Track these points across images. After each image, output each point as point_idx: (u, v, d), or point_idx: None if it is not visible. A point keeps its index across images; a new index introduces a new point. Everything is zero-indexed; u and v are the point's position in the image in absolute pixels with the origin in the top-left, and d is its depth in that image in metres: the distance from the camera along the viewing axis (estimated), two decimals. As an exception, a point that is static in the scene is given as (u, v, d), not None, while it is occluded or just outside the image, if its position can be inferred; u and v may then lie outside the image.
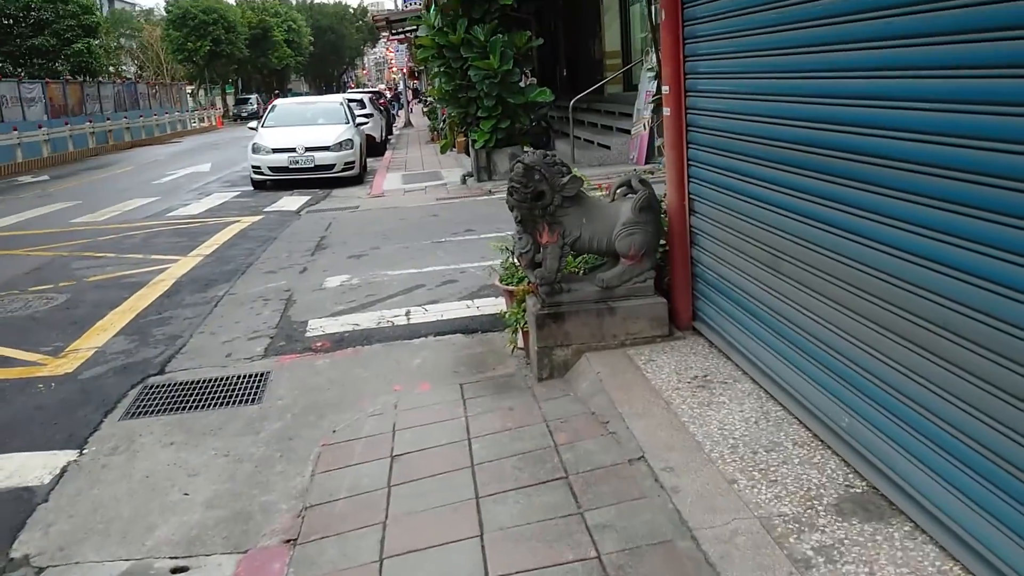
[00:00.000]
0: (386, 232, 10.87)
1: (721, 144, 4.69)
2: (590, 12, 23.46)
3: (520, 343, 5.78)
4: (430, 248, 9.54)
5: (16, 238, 12.62)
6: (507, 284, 6.31)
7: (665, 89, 5.18)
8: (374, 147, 24.05)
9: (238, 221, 12.91)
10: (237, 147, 28.33)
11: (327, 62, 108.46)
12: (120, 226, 13.20)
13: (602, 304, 5.15)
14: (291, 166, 17.22)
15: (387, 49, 77.37)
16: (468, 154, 17.55)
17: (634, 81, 20.73)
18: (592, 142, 18.17)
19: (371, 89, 47.67)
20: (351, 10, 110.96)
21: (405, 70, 50.40)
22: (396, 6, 34.60)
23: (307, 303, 7.61)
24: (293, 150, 17.27)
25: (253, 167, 17.50)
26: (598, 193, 6.21)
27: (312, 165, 17.28)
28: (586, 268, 5.51)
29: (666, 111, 5.20)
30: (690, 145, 5.10)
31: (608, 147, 16.85)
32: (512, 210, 5.14)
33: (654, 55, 15.76)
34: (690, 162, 5.11)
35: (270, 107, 20.24)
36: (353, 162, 17.73)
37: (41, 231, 13.18)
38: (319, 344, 6.44)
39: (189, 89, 68.34)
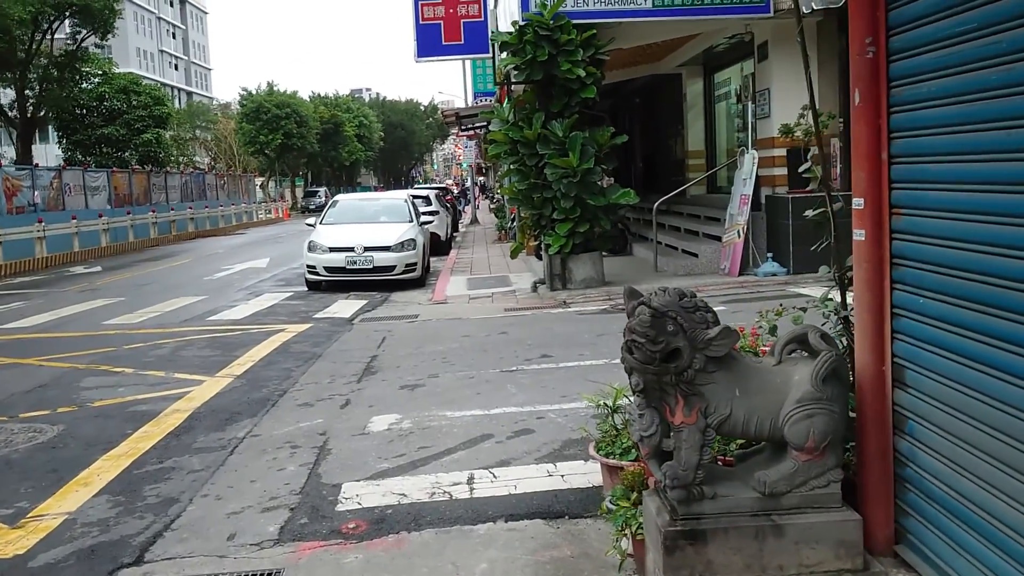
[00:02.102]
0: (447, 354, 9.29)
1: (957, 288, 3.05)
2: (670, 109, 22.16)
3: (629, 548, 4.08)
4: (498, 379, 7.92)
5: (39, 342, 11.34)
6: (607, 455, 4.66)
7: (858, 203, 3.56)
8: (439, 245, 22.81)
9: (283, 330, 11.48)
10: (298, 240, 27.20)
11: (397, 157, 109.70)
12: (153, 331, 11.85)
13: (763, 518, 3.45)
14: (348, 267, 15.91)
15: (456, 145, 77.68)
16: (539, 258, 16.08)
17: (719, 183, 19.31)
18: (676, 248, 16.58)
19: (438, 185, 47.05)
20: (422, 107, 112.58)
21: (473, 166, 49.89)
22: (467, 102, 33.89)
23: (344, 455, 6.01)
24: (351, 249, 15.99)
25: (308, 267, 16.24)
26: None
27: (371, 266, 15.96)
28: (736, 454, 3.83)
29: (858, 235, 3.57)
30: (897, 286, 3.45)
31: (695, 255, 15.24)
32: (630, 374, 3.52)
33: (748, 156, 14.29)
34: (896, 310, 3.45)
35: (330, 203, 19.10)
36: (415, 264, 16.37)
37: (69, 334, 11.90)
38: (352, 526, 4.81)
39: (259, 181, 68.90)
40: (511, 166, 13.92)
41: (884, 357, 3.52)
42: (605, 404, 4.92)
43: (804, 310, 4.79)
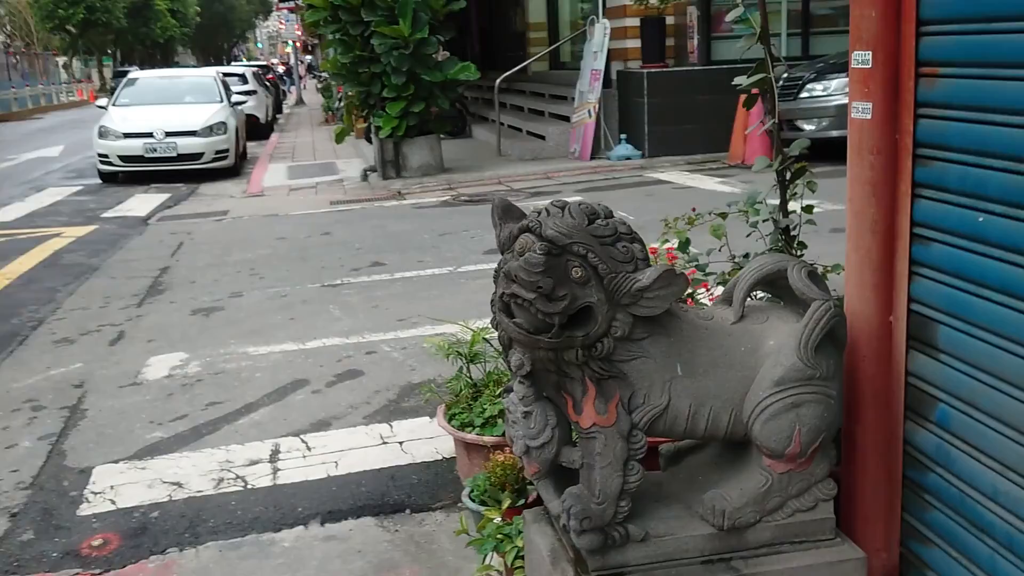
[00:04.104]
0: (256, 263, 7.65)
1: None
2: (510, -23, 20.41)
3: (500, 567, 2.78)
4: (319, 297, 6.40)
5: None
6: (462, 425, 3.35)
7: (862, 59, 2.22)
8: (258, 129, 20.63)
9: (59, 235, 9.48)
10: (97, 126, 24.34)
11: (217, 34, 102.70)
12: None
13: (721, 567, 2.18)
14: (147, 155, 13.81)
15: (279, 21, 73.05)
16: (370, 142, 14.37)
17: (562, 59, 17.90)
18: (520, 130, 15.21)
19: (258, 63, 43.63)
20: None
21: (299, 43, 46.74)
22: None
23: (104, 419, 4.43)
24: (150, 135, 13.85)
25: (100, 156, 13.99)
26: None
27: (174, 154, 13.91)
28: (665, 450, 2.51)
29: (860, 110, 2.24)
30: (922, 192, 2.16)
31: (542, 137, 13.92)
32: (507, 348, 2.14)
33: (599, 26, 12.89)
34: (921, 229, 2.18)
35: (125, 81, 16.57)
36: (227, 150, 14.39)
37: None
38: (97, 543, 3.31)
39: (61, 61, 62.95)
40: (334, 36, 12.04)
41: (893, 302, 2.26)
42: (457, 353, 3.55)
43: (724, 216, 3.52)
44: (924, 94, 2.13)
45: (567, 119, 13.72)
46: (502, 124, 14.65)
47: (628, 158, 12.37)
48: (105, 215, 10.90)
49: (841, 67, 10.89)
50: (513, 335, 2.02)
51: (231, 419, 4.33)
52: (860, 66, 2.20)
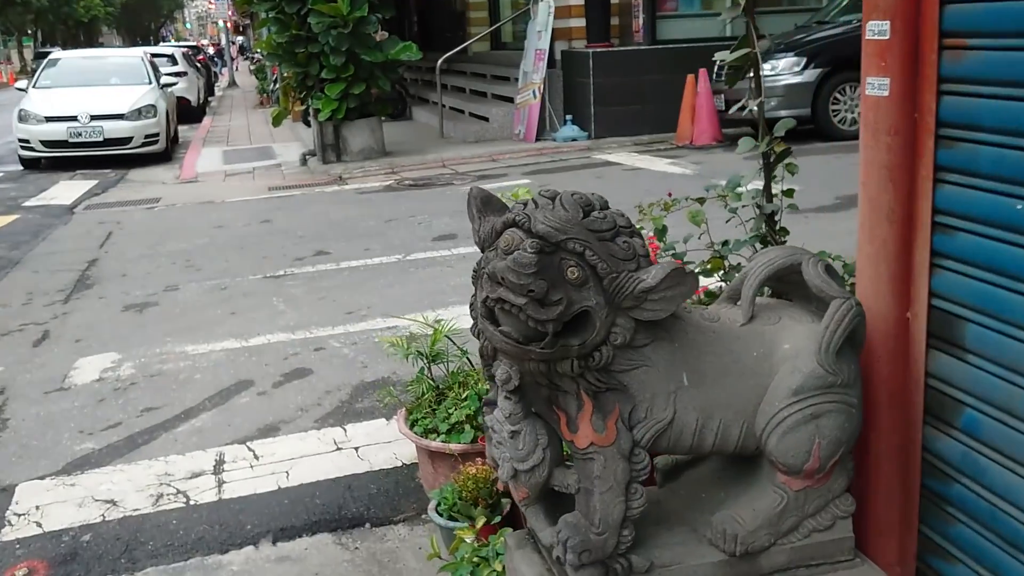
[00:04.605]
0: (193, 254, 7.26)
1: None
2: (448, -45, 19.98)
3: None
4: (261, 290, 6.06)
5: None
6: (425, 431, 3.09)
7: (878, 30, 1.99)
8: (189, 112, 19.99)
9: (-23, 225, 8.97)
10: (19, 110, 23.36)
11: (143, 15, 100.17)
12: None
13: (732, 596, 1.96)
14: (72, 140, 13.21)
15: (208, 1, 71.42)
16: (307, 125, 13.93)
17: (503, 39, 17.60)
18: (463, 111, 14.87)
19: (188, 43, 42.45)
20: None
21: (229, 23, 45.66)
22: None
23: (28, 430, 4.07)
24: (74, 118, 13.24)
25: (20, 141, 13.34)
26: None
27: (101, 139, 13.33)
28: (661, 465, 2.27)
29: (875, 85, 2.02)
30: (945, 176, 1.95)
31: (486, 118, 13.60)
32: (490, 359, 1.89)
33: (544, 4, 12.61)
34: (943, 217, 1.96)
35: (46, 61, 15.82)
36: (157, 134, 13.83)
37: None
38: (20, 573, 2.99)
39: (-26, 41, 60.93)
40: (268, 14, 11.58)
41: (911, 297, 2.05)
42: (418, 352, 3.28)
43: (702, 201, 3.30)
44: (949, 68, 1.92)
45: (511, 100, 13.43)
46: (444, 106, 14.33)
47: (574, 139, 12.14)
48: (27, 204, 10.35)
49: (787, 47, 10.79)
50: (499, 345, 1.76)
51: (170, 426, 4.00)
52: (876, 37, 1.97)
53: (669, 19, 12.75)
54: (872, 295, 2.08)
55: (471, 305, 1.87)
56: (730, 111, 11.14)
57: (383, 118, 12.40)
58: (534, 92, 12.38)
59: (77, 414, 4.19)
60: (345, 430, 3.86)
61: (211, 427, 3.97)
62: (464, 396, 3.07)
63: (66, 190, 11.29)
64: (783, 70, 10.46)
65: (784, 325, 1.95)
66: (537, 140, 12.36)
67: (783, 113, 10.61)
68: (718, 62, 3.02)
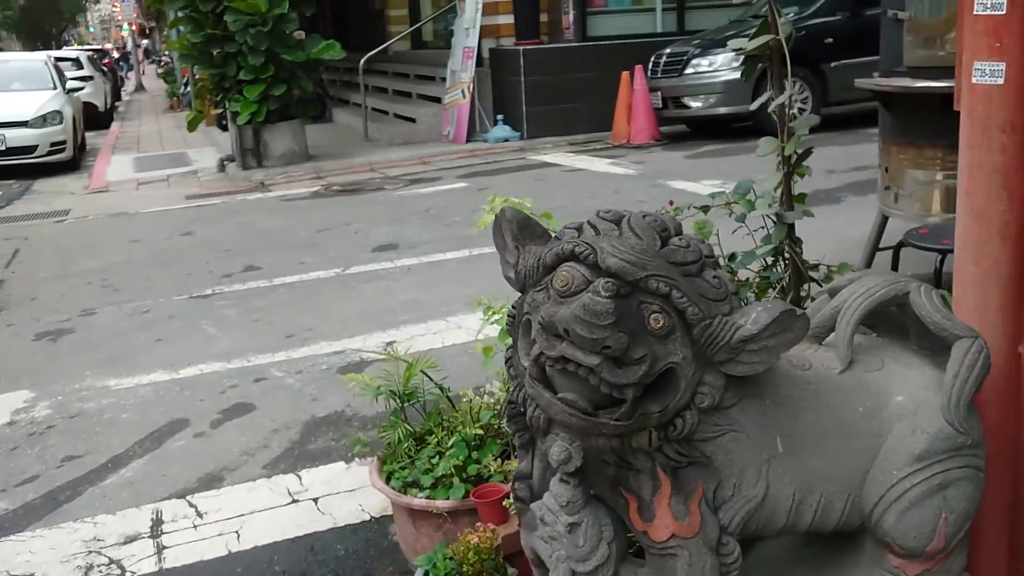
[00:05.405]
0: (110, 271, 6.64)
1: None
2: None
3: None
4: (188, 312, 5.51)
5: None
6: (404, 486, 2.66)
7: (989, 2, 1.63)
8: (96, 118, 19.03)
9: None
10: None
11: (44, 19, 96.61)
12: None
13: None
14: (-30, 149, 12.31)
15: (112, 3, 69.21)
16: (223, 129, 13.27)
17: (424, 38, 17.13)
18: (387, 112, 14.37)
19: (92, 47, 40.85)
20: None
21: (135, 26, 44.20)
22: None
23: (-75, 488, 3.51)
24: (-27, 127, 12.35)
25: (-87, 151, 12.39)
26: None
27: (3, 148, 12.46)
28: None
29: (980, 72, 1.66)
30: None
31: (412, 119, 13.15)
32: (534, 434, 1.47)
33: (471, 2, 12.20)
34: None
35: (-61, 67, 14.82)
36: (63, 142, 13.03)
37: None
38: None
39: None
40: (180, 14, 10.92)
41: None
42: (391, 393, 2.84)
43: (705, 210, 2.95)
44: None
45: (437, 100, 13.00)
46: (368, 108, 13.80)
47: (506, 140, 11.76)
48: (-78, 219, 9.54)
49: (724, 42, 10.57)
50: (560, 417, 1.35)
51: (96, 478, 3.48)
52: (988, 12, 1.62)
53: (600, 15, 12.45)
54: (977, 326, 1.72)
55: (507, 360, 1.46)
56: (672, 109, 10.91)
57: (305, 121, 11.84)
58: (463, 91, 11.96)
59: (-16, 467, 3.64)
60: (299, 477, 3.39)
61: (144, 478, 3.46)
62: (450, 443, 2.65)
63: (-36, 203, 10.48)
64: (722, 65, 10.25)
65: (890, 371, 1.58)
66: (468, 141, 11.95)
67: (722, 110, 10.43)
68: (738, 50, 2.63)
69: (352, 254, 6.48)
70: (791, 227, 2.76)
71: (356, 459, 3.38)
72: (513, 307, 1.45)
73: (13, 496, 3.39)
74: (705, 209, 2.92)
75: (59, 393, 4.33)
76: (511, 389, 1.50)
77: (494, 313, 2.83)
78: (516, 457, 2.56)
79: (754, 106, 2.67)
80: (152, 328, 5.21)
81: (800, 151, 2.73)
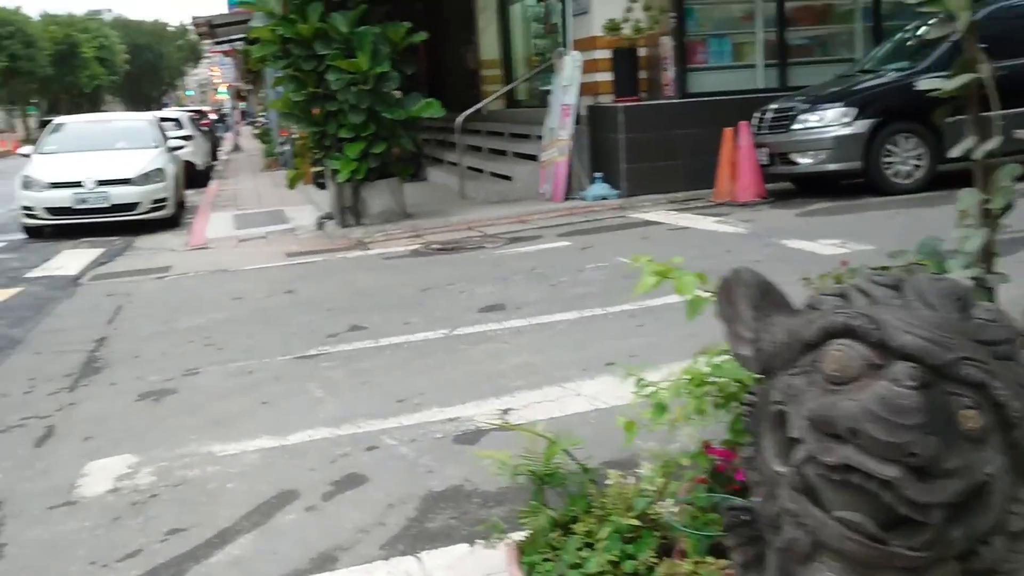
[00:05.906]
0: (211, 330, 6.54)
1: None
2: (458, 12, 19.58)
3: None
4: (293, 373, 5.33)
5: None
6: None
7: None
8: (195, 176, 19.47)
9: (-25, 300, 8.27)
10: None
11: (145, 83, 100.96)
12: None
13: None
14: (77, 206, 12.63)
15: (210, 68, 71.92)
16: (320, 187, 13.34)
17: (517, 97, 17.10)
18: (481, 171, 14.27)
19: (192, 108, 42.26)
20: (170, 28, 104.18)
21: (232, 88, 45.74)
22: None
23: (26, 560, 3.31)
24: (80, 184, 12.68)
25: (24, 209, 12.77)
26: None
27: (107, 205, 12.75)
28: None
29: None
30: None
31: (508, 177, 13.02)
32: (746, 540, 1.15)
33: (570, 58, 12.09)
34: None
35: (51, 126, 15.29)
36: (165, 199, 13.25)
37: None
38: None
39: (-20, 110, 61.45)
40: (284, 72, 11.02)
41: None
42: (532, 472, 2.55)
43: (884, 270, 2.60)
44: None
45: (533, 158, 12.85)
46: (464, 166, 13.73)
47: (604, 198, 11.51)
48: (30, 275, 9.68)
49: (834, 96, 10.22)
50: (837, 544, 1.04)
51: (201, 555, 3.25)
52: None
53: (700, 71, 12.20)
54: None
55: (749, 460, 1.16)
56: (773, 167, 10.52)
57: (403, 179, 11.79)
58: (561, 149, 11.78)
59: (87, 537, 3.44)
60: (420, 559, 3.10)
61: (252, 556, 3.21)
62: (604, 535, 2.34)
63: (71, 259, 10.64)
64: (831, 121, 9.86)
65: None
66: (566, 199, 11.74)
67: (831, 167, 10.03)
68: (933, 91, 2.32)
69: (458, 314, 6.25)
70: (990, 292, 2.41)
71: (480, 541, 3.09)
72: (752, 393, 1.16)
73: (115, 573, 3.17)
74: (884, 269, 2.58)
75: (162, 458, 4.14)
76: (750, 495, 1.20)
77: (646, 386, 2.53)
78: (678, 556, 2.25)
79: (954, 153, 2.34)
80: (257, 390, 5.03)
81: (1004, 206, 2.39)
